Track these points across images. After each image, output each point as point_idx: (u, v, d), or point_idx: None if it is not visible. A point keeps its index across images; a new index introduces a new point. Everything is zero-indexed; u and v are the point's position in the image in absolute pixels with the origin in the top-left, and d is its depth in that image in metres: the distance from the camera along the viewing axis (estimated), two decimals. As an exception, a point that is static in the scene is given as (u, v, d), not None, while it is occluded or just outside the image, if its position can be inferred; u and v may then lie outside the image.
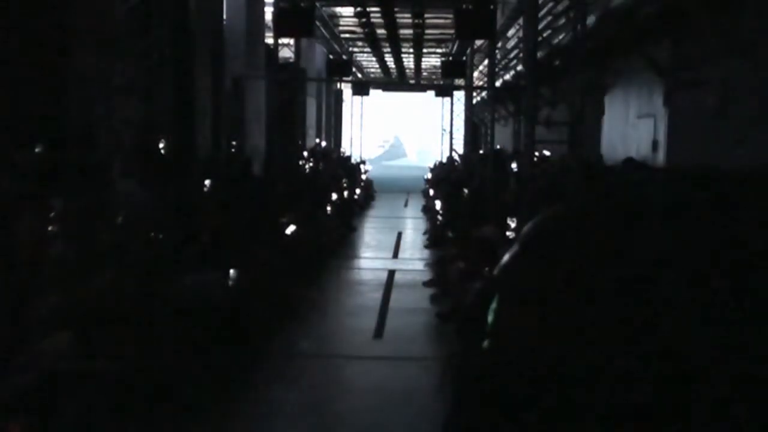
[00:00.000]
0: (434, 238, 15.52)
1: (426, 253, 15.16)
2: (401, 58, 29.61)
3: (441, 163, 29.34)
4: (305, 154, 22.50)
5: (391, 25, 22.08)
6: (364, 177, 26.89)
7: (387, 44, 26.06)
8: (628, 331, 1.07)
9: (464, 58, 25.33)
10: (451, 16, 19.67)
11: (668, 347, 1.01)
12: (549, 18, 12.80)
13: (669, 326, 1.01)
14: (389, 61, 30.93)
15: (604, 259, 1.11)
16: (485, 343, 1.20)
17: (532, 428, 1.09)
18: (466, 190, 15.58)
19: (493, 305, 1.20)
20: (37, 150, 8.04)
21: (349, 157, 30.55)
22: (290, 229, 11.75)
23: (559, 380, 1.06)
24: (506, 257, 1.28)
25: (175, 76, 10.78)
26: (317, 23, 21.07)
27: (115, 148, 9.29)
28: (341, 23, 26.68)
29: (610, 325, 1.07)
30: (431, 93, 35.97)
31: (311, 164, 21.41)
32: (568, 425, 1.07)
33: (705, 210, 1.11)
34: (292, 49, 21.24)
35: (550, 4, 12.67)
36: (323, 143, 29.32)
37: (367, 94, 31.76)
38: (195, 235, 8.35)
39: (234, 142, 16.77)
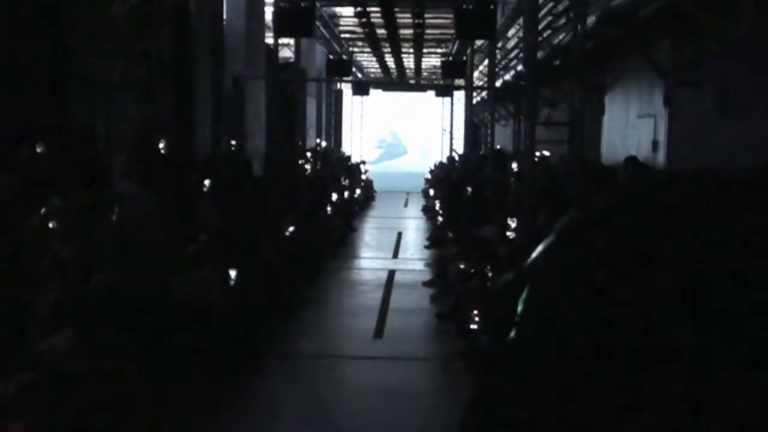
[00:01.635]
0: (434, 238, 15.51)
1: (426, 253, 15.16)
2: (401, 58, 29.58)
3: (441, 163, 29.34)
4: (306, 154, 22.49)
5: (391, 25, 22.07)
6: (364, 177, 26.89)
7: (387, 44, 26.05)
8: (667, 315, 1.07)
9: (464, 58, 25.31)
10: (451, 16, 19.65)
11: (707, 331, 1.02)
12: (549, 18, 12.78)
13: (707, 311, 1.02)
14: (389, 61, 30.91)
15: (640, 247, 1.11)
16: (512, 333, 1.21)
17: (562, 413, 1.10)
18: (469, 189, 15.56)
19: (523, 295, 1.20)
20: (38, 150, 8.05)
21: (349, 157, 30.53)
22: (290, 229, 11.74)
23: (598, 360, 1.06)
24: (540, 248, 1.28)
25: (175, 76, 10.77)
26: (317, 23, 21.05)
27: (115, 148, 9.29)
28: (341, 23, 26.66)
29: (646, 309, 1.07)
30: (431, 93, 35.92)
31: (311, 164, 21.40)
32: (605, 406, 1.08)
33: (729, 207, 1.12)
34: (292, 49, 21.23)
35: (550, 4, 12.65)
36: (323, 143, 29.30)
37: (367, 94, 31.73)
38: (195, 235, 8.35)
39: (234, 142, 16.76)
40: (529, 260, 1.31)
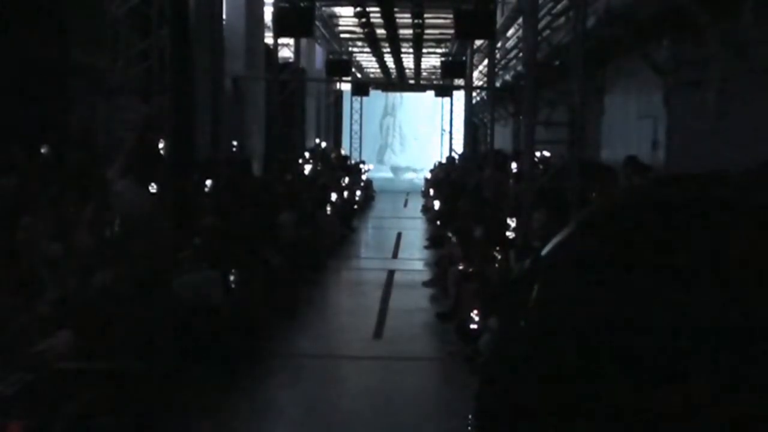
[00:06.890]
0: (434, 238, 15.51)
1: (426, 253, 15.15)
2: (401, 58, 29.55)
3: (441, 163, 29.33)
4: (306, 154, 22.49)
5: (391, 25, 22.05)
6: (363, 177, 26.88)
7: (387, 44, 26.03)
8: (680, 303, 1.07)
9: (464, 58, 25.28)
10: (451, 16, 19.65)
11: (720, 320, 1.02)
12: (549, 18, 12.78)
13: (721, 303, 1.02)
14: (389, 61, 30.88)
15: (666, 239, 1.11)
16: (522, 322, 1.21)
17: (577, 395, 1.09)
18: (468, 189, 15.55)
19: (537, 284, 1.19)
20: (43, 151, 8.06)
21: (348, 157, 30.53)
22: (290, 229, 11.74)
23: (613, 340, 1.06)
24: (559, 236, 1.28)
25: (175, 76, 10.77)
26: (317, 23, 21.05)
27: (115, 148, 9.28)
28: (341, 23, 26.65)
29: (661, 296, 1.07)
30: (431, 93, 35.88)
31: (311, 164, 21.39)
32: (618, 386, 1.07)
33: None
34: (292, 49, 21.23)
35: (550, 4, 12.66)
36: (323, 143, 29.30)
37: (367, 94, 31.74)
38: (195, 235, 8.35)
39: (234, 142, 16.77)
40: (545, 250, 1.30)
